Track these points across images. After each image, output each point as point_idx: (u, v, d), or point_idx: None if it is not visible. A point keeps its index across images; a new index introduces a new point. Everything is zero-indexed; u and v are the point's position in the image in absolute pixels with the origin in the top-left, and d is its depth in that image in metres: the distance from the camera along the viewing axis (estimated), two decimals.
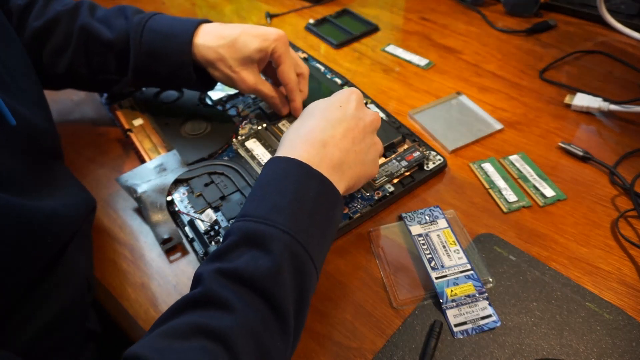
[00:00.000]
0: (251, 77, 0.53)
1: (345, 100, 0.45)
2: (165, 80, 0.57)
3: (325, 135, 0.42)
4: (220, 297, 0.32)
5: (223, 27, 0.53)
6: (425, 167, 0.53)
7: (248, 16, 0.86)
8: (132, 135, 0.59)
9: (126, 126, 0.60)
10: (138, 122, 0.60)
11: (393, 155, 0.54)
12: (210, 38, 0.52)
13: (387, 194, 0.50)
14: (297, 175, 0.39)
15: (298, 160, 0.39)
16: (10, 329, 0.34)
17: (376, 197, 0.50)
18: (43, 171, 0.42)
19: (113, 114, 0.62)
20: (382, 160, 0.53)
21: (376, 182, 0.51)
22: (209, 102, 0.63)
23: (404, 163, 0.53)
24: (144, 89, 0.65)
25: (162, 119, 0.61)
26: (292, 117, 0.59)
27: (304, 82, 0.58)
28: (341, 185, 0.41)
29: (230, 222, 0.48)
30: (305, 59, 0.70)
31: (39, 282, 0.36)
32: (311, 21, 0.82)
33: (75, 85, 0.59)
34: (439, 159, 0.54)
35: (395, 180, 0.52)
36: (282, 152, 0.41)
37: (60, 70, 0.55)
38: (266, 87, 0.55)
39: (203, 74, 0.55)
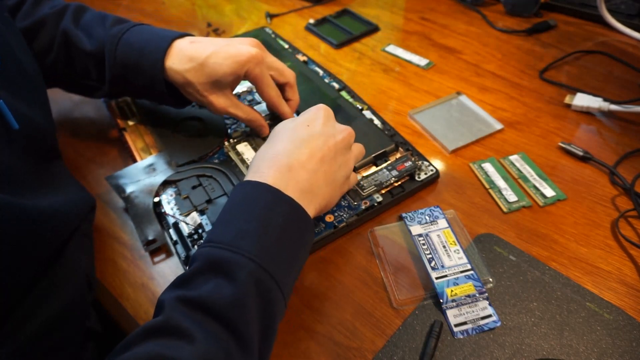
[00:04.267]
0: (221, 101, 0.52)
1: (312, 118, 0.44)
2: (141, 93, 0.56)
3: (290, 159, 0.41)
4: (181, 326, 0.31)
5: (193, 47, 0.51)
6: (416, 178, 0.52)
7: (248, 16, 0.86)
8: (126, 135, 0.59)
9: (121, 125, 0.60)
10: (132, 121, 0.60)
11: (384, 165, 0.53)
12: (178, 60, 0.50)
13: (375, 204, 0.50)
14: (264, 201, 0.38)
15: (267, 185, 0.38)
16: (10, 328, 0.34)
17: (363, 207, 0.49)
18: (42, 171, 0.41)
19: (110, 112, 0.62)
20: (373, 169, 0.53)
21: (364, 191, 0.50)
22: None
23: (394, 173, 0.52)
24: None
25: (157, 119, 0.60)
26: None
27: (291, 90, 0.55)
28: (311, 209, 0.40)
29: None
30: (304, 62, 0.70)
31: (39, 281, 0.36)
32: (311, 21, 0.82)
33: (60, 86, 0.59)
34: (431, 170, 0.53)
35: (384, 190, 0.51)
36: (249, 176, 0.41)
37: (44, 71, 0.54)
38: (239, 110, 0.53)
39: (178, 90, 0.54)
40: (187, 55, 0.50)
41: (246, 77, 0.51)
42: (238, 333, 0.32)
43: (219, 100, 0.52)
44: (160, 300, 0.34)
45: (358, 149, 0.49)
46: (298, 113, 0.61)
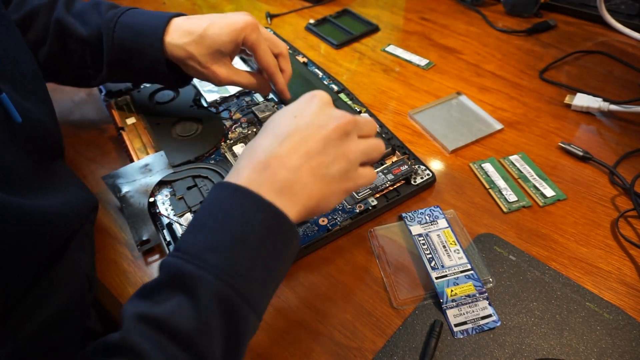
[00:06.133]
0: (223, 71, 0.53)
1: (303, 106, 0.40)
2: (140, 75, 0.57)
3: (268, 155, 0.37)
4: (138, 347, 0.29)
5: (191, 22, 0.52)
6: (412, 182, 0.52)
7: None
8: (124, 134, 0.59)
9: (119, 124, 0.60)
10: (131, 120, 0.60)
11: (380, 168, 0.53)
12: (178, 35, 0.52)
13: (370, 208, 0.49)
14: (240, 207, 0.34)
15: (244, 189, 0.35)
16: (10, 328, 0.34)
17: (357, 210, 0.49)
18: (45, 169, 0.41)
19: (109, 111, 0.62)
20: None
21: (359, 194, 0.50)
22: (204, 104, 0.63)
23: (390, 176, 0.51)
24: (141, 87, 0.65)
25: (155, 118, 0.60)
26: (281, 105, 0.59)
27: (284, 61, 0.56)
28: (293, 211, 0.36)
29: None
30: (304, 64, 0.70)
31: (39, 281, 0.36)
32: (311, 21, 0.82)
33: (54, 78, 0.59)
34: (428, 174, 0.52)
35: (379, 194, 0.51)
36: (230, 175, 0.38)
37: (38, 64, 0.54)
38: (241, 77, 0.54)
39: (178, 70, 0.54)
40: (186, 29, 0.52)
41: (244, 44, 0.52)
42: (199, 356, 0.31)
43: (221, 70, 0.53)
44: (122, 311, 0.32)
45: (369, 143, 0.41)
46: (286, 105, 0.62)
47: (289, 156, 0.37)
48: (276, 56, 0.55)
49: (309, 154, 0.37)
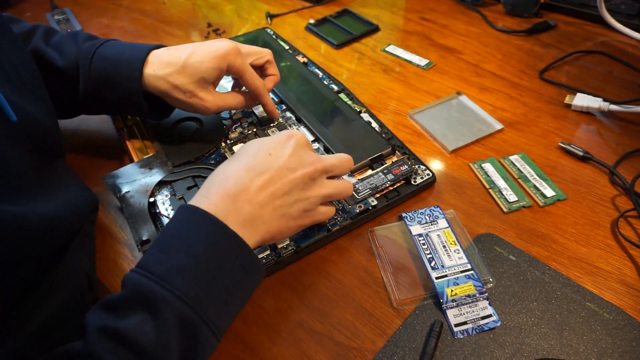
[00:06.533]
0: (210, 98, 0.52)
1: (279, 145, 0.42)
2: (117, 108, 0.55)
3: (238, 188, 0.39)
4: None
5: (170, 53, 0.51)
6: (412, 182, 0.52)
7: (248, 16, 0.86)
8: (124, 134, 0.59)
9: (119, 124, 0.60)
10: (132, 121, 0.60)
11: (380, 168, 0.53)
12: (158, 66, 0.51)
13: (370, 208, 0.49)
14: (207, 234, 0.37)
15: (212, 216, 0.37)
16: (10, 328, 0.34)
17: (357, 210, 0.49)
18: (45, 169, 0.41)
19: None
20: (369, 172, 0.53)
21: (359, 194, 0.50)
22: None
23: (389, 176, 0.52)
24: None
25: None
26: (279, 123, 0.59)
27: (271, 66, 0.57)
28: (251, 241, 0.39)
29: None
30: (304, 64, 0.70)
31: (39, 281, 0.36)
32: (311, 21, 0.82)
33: None
34: (428, 174, 0.52)
35: (379, 194, 0.51)
36: (197, 197, 0.40)
37: None
38: (229, 99, 0.54)
39: (157, 102, 0.53)
40: (166, 60, 0.51)
41: (229, 70, 0.52)
42: None
43: (208, 97, 0.52)
44: (85, 321, 0.33)
45: (336, 186, 0.45)
46: (286, 104, 0.62)
47: (256, 194, 0.40)
48: (265, 64, 0.56)
49: (274, 194, 0.40)
